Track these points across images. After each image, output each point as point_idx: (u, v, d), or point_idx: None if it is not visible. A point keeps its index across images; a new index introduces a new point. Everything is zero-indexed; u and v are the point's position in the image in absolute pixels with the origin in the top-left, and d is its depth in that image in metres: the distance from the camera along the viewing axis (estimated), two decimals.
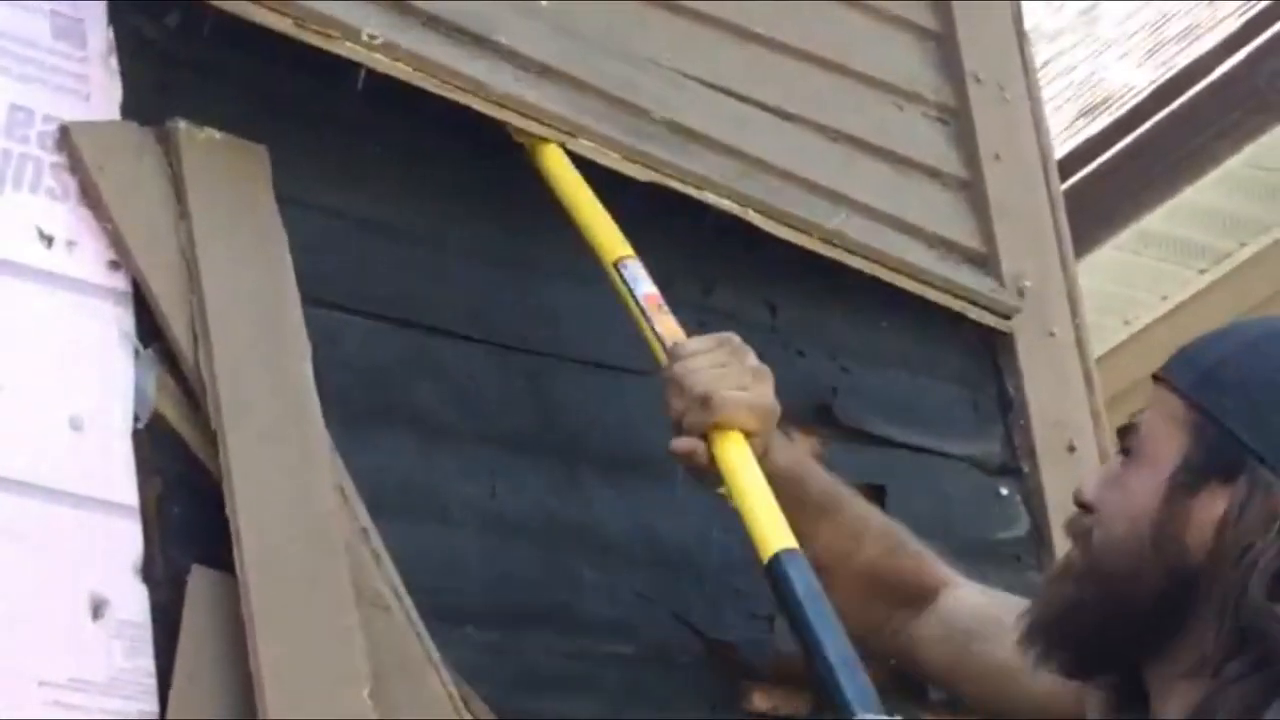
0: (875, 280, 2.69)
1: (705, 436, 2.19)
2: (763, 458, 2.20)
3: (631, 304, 2.28)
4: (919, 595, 2.32)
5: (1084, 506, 2.04)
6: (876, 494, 2.57)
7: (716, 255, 2.59)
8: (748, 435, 2.19)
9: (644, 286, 2.28)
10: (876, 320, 2.74)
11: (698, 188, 2.52)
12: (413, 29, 2.30)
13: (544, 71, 2.42)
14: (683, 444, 2.21)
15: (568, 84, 2.44)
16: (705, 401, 2.18)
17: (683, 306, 2.54)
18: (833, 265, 2.65)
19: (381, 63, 2.26)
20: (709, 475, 2.20)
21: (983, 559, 2.73)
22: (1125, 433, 2.04)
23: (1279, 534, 1.90)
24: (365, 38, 2.24)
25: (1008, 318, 2.82)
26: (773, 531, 2.11)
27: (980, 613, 2.30)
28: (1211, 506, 1.94)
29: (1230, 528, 1.92)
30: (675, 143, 2.52)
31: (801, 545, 2.16)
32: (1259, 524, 1.91)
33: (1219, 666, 1.91)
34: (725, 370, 2.20)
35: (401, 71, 2.27)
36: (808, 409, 2.59)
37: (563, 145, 2.38)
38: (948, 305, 2.76)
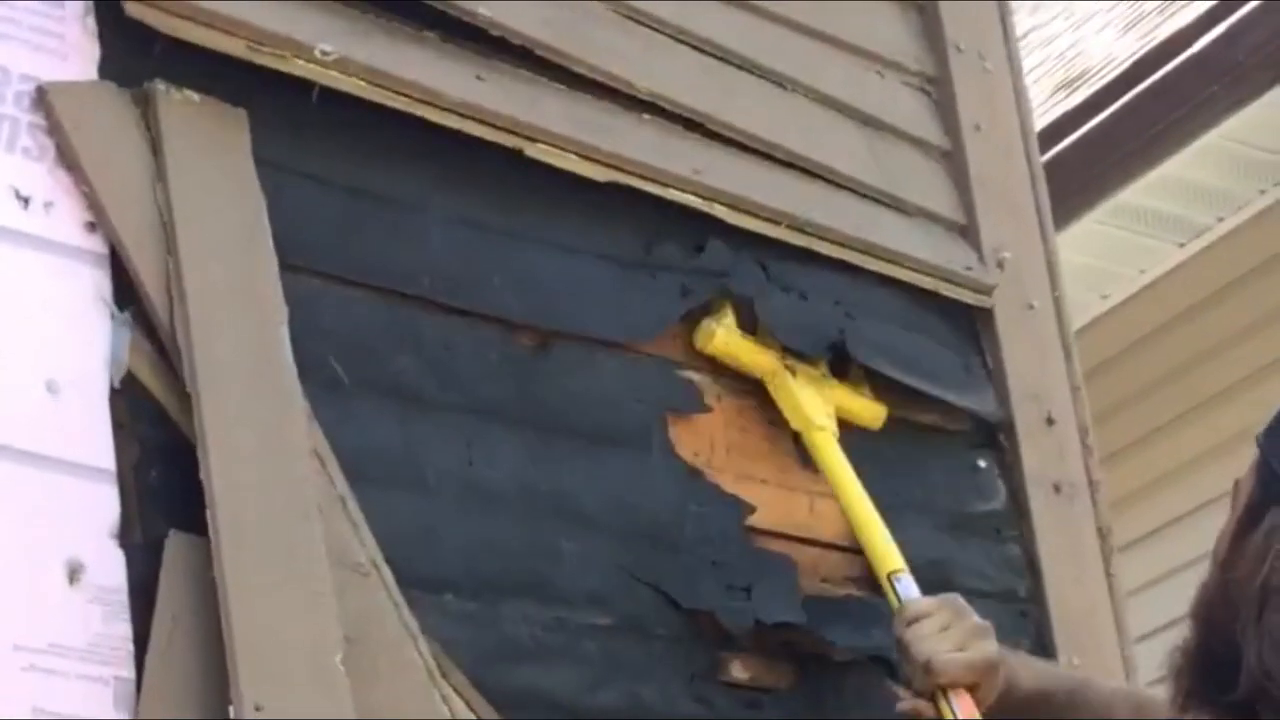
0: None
1: (934, 697, 2.33)
2: (1006, 695, 2.36)
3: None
4: None
5: None
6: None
7: (706, 214, 2.59)
8: (970, 690, 2.33)
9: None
10: (872, 281, 2.74)
11: (661, 184, 2.51)
12: (373, 33, 2.29)
13: (521, 57, 2.40)
14: (906, 705, 2.36)
15: (541, 65, 2.43)
16: (927, 667, 2.32)
17: (673, 268, 2.55)
18: None
19: (336, 79, 2.25)
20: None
21: (963, 531, 2.73)
22: (1233, 490, 2.10)
23: None
24: (318, 54, 2.23)
25: (986, 294, 2.82)
26: None
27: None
28: (1258, 538, 2.00)
29: (1255, 554, 1.98)
30: (644, 130, 2.50)
31: None
32: (1273, 548, 1.96)
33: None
34: (946, 633, 2.34)
35: (356, 87, 2.27)
36: (818, 346, 2.61)
37: (520, 151, 2.39)
38: (922, 285, 2.76)
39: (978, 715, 2.30)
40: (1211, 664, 2.04)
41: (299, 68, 2.23)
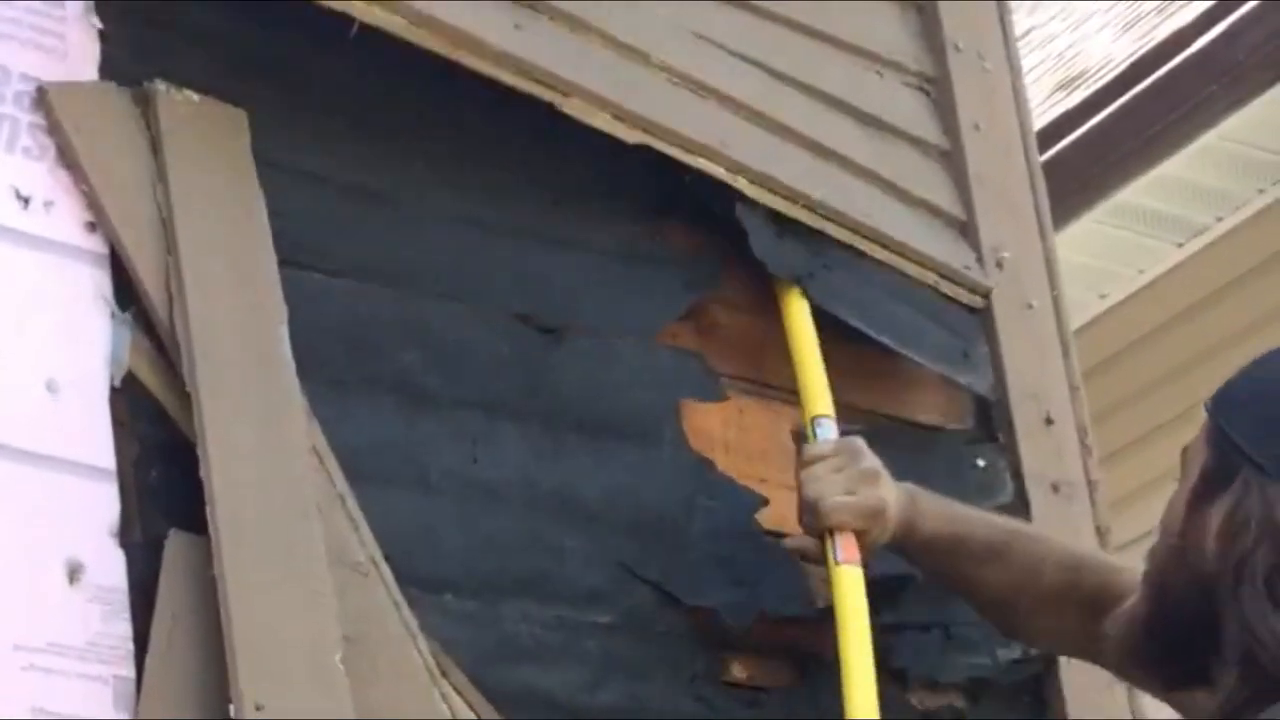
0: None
1: (822, 536, 2.38)
2: (905, 538, 2.40)
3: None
4: (1116, 600, 2.32)
5: None
6: None
7: (709, 208, 2.60)
8: (858, 534, 2.37)
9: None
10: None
11: (688, 151, 2.51)
12: None
13: (552, 14, 2.40)
14: (790, 542, 2.44)
15: (572, 24, 2.43)
16: (814, 508, 2.37)
17: (676, 262, 2.54)
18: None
19: (377, 16, 2.23)
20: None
21: None
22: (1181, 458, 2.13)
23: (1268, 535, 1.97)
24: None
25: (983, 295, 2.82)
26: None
27: None
28: (1220, 512, 2.02)
29: (1225, 532, 2.01)
30: (672, 95, 2.50)
31: (970, 591, 2.45)
32: (1251, 525, 1.99)
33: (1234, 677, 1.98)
34: (838, 476, 2.38)
35: (396, 25, 2.25)
36: (785, 272, 2.60)
37: (555, 105, 2.38)
38: (925, 281, 2.76)
39: (858, 558, 2.34)
40: (1162, 630, 2.07)
41: (338, 4, 2.21)
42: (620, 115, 2.44)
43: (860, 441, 2.44)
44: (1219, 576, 2.00)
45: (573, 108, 2.40)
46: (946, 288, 2.78)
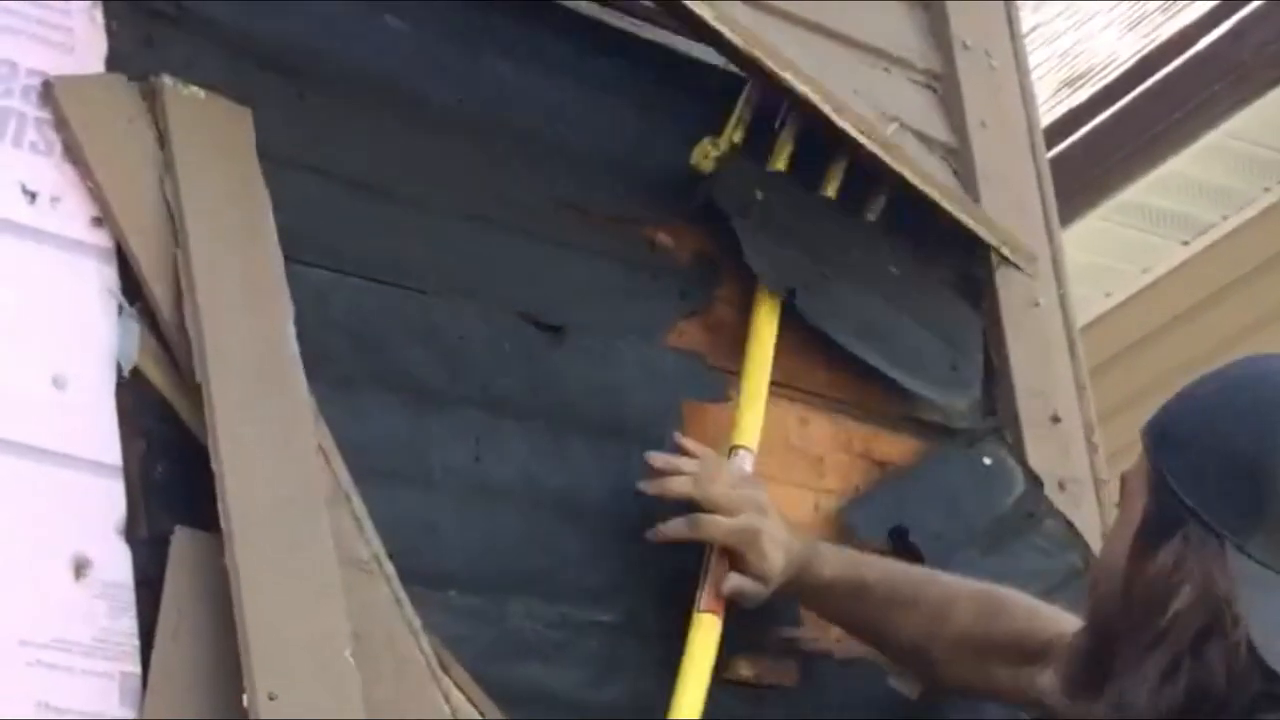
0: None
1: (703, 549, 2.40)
2: (801, 579, 2.39)
3: None
4: (1038, 649, 2.31)
5: None
6: None
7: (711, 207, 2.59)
8: (735, 559, 2.36)
9: None
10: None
11: (782, 69, 2.51)
12: None
13: None
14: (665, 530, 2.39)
15: None
16: (691, 519, 2.36)
17: (673, 270, 2.54)
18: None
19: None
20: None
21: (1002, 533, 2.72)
22: (1120, 484, 2.09)
23: (1202, 604, 1.92)
24: None
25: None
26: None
27: None
28: (1158, 568, 1.97)
29: (1160, 588, 1.96)
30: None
31: (881, 638, 2.42)
32: (1185, 589, 1.94)
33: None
34: (731, 491, 2.37)
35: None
36: (776, 285, 2.58)
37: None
38: (983, 238, 2.74)
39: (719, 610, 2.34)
40: (1097, 665, 2.04)
41: None
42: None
43: (762, 485, 2.42)
44: (1140, 626, 1.96)
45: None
46: (1008, 251, 2.77)
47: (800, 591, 2.41)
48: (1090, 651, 2.07)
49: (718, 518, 2.34)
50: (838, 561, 2.40)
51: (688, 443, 2.40)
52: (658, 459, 2.37)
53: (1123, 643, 2.00)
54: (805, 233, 2.62)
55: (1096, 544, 2.73)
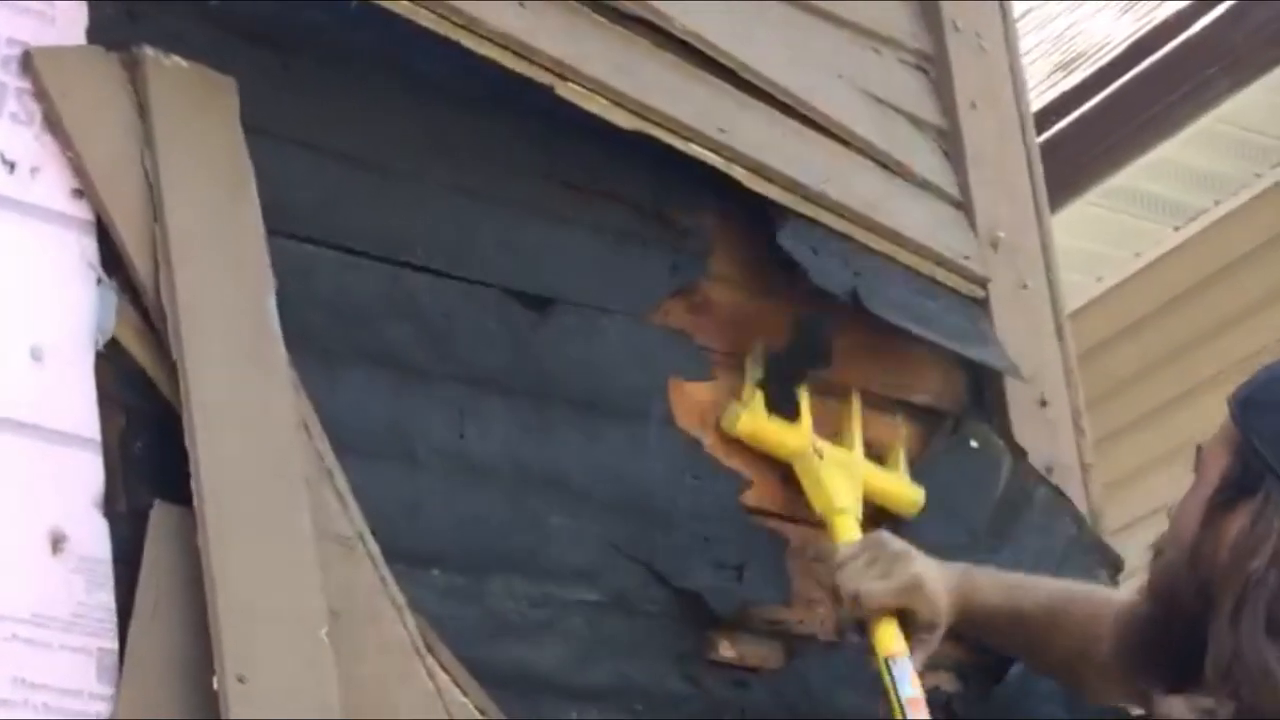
0: None
1: (867, 629, 2.40)
2: (963, 614, 2.40)
3: (894, 701, 2.36)
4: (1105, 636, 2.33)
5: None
6: None
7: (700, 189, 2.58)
8: (904, 616, 2.37)
9: (908, 689, 2.36)
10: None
11: (684, 139, 2.49)
12: None
13: None
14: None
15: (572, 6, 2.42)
16: (855, 599, 2.37)
17: (664, 243, 2.53)
18: None
19: None
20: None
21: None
22: (1196, 455, 2.10)
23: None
24: None
25: (980, 286, 2.80)
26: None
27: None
28: (1238, 524, 2.00)
29: (1240, 546, 1.99)
30: (670, 78, 2.48)
31: (1037, 660, 2.46)
32: (1264, 543, 1.96)
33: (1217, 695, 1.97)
34: (870, 567, 2.38)
35: (401, 8, 2.24)
36: (843, 288, 2.59)
37: (551, 88, 2.37)
38: (924, 271, 2.74)
39: (902, 642, 2.34)
40: (1164, 633, 2.06)
41: None
42: (618, 100, 2.42)
43: (884, 532, 2.44)
44: (1223, 591, 1.97)
45: (568, 91, 2.38)
46: (943, 276, 2.76)
47: (963, 624, 2.43)
48: (1151, 619, 2.08)
49: (879, 586, 2.36)
50: (993, 589, 2.43)
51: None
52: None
53: (1191, 610, 2.01)
54: (831, 239, 2.62)
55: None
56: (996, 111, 2.96)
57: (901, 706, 2.32)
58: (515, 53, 2.34)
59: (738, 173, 2.54)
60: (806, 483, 2.53)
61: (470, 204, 2.38)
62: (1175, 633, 2.04)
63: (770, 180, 2.57)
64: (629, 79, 2.45)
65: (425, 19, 2.27)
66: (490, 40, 2.32)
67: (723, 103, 2.56)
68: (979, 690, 2.60)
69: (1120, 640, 2.15)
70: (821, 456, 2.53)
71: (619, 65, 2.44)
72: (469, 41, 2.30)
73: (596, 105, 2.41)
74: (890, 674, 2.34)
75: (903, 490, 2.62)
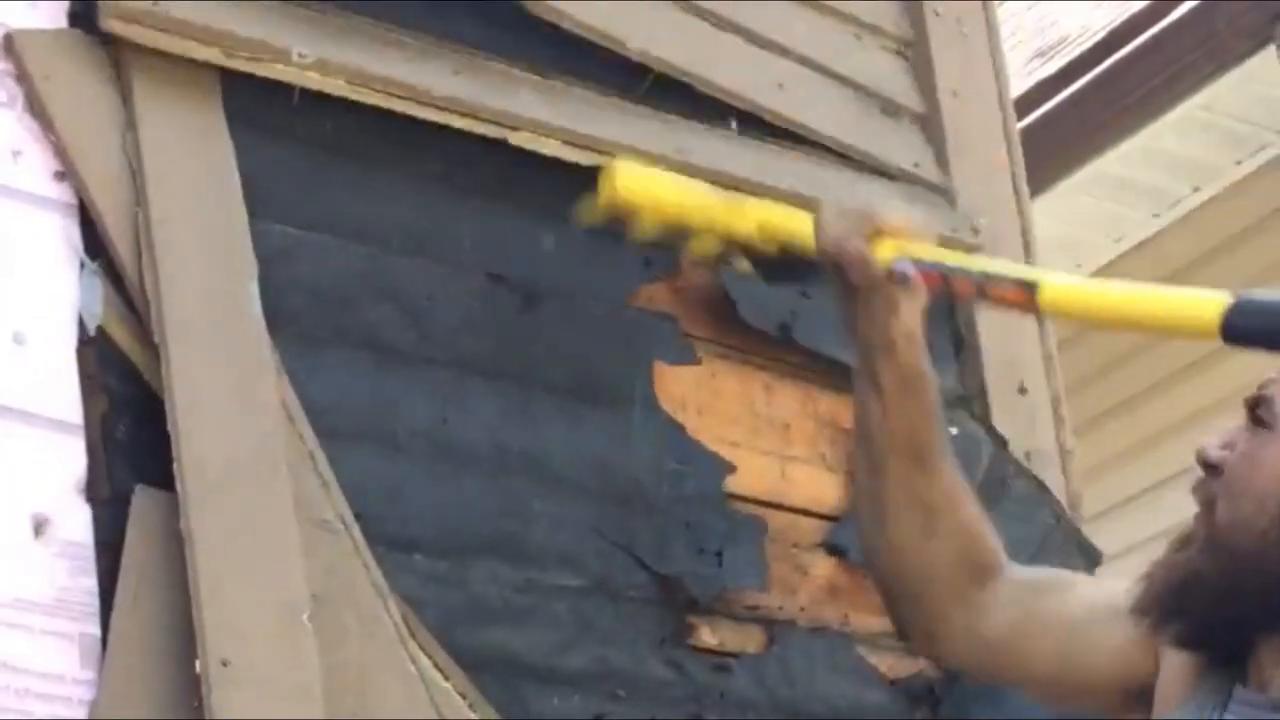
0: None
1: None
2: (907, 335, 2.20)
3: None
4: (989, 567, 2.23)
5: (1211, 467, 2.00)
6: None
7: None
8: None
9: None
10: None
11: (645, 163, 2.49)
12: (349, 34, 2.28)
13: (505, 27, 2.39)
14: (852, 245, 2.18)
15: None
16: (863, 212, 2.19)
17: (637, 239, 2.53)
18: None
19: (316, 80, 2.23)
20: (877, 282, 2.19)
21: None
22: (1257, 403, 1.99)
23: None
24: (295, 57, 2.21)
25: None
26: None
27: (1040, 572, 2.28)
28: None
29: None
30: (624, 113, 2.48)
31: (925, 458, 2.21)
32: None
33: None
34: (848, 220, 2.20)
35: (336, 87, 2.25)
36: (769, 324, 2.58)
37: (504, 140, 2.37)
38: None
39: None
40: (1218, 591, 1.95)
41: (277, 71, 2.21)
42: (568, 139, 2.42)
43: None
44: None
45: (520, 139, 2.38)
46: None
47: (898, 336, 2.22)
48: (1210, 577, 1.95)
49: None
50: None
51: None
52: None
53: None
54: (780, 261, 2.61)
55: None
56: (977, 98, 2.95)
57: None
58: (461, 113, 2.34)
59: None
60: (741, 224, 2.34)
61: (453, 188, 2.38)
62: (1228, 589, 1.93)
63: (735, 188, 2.55)
64: (576, 118, 2.44)
65: (365, 96, 2.27)
66: (434, 106, 2.32)
67: (678, 127, 2.55)
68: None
69: (1153, 583, 2.01)
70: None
71: (564, 109, 2.44)
72: (415, 111, 2.31)
73: (550, 147, 2.40)
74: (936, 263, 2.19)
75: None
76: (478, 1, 2.43)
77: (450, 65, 2.36)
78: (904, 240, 2.20)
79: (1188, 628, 1.98)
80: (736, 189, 2.53)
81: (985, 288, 2.18)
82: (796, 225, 2.32)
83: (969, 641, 2.21)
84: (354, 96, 2.27)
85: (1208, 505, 1.99)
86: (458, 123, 2.34)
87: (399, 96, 2.30)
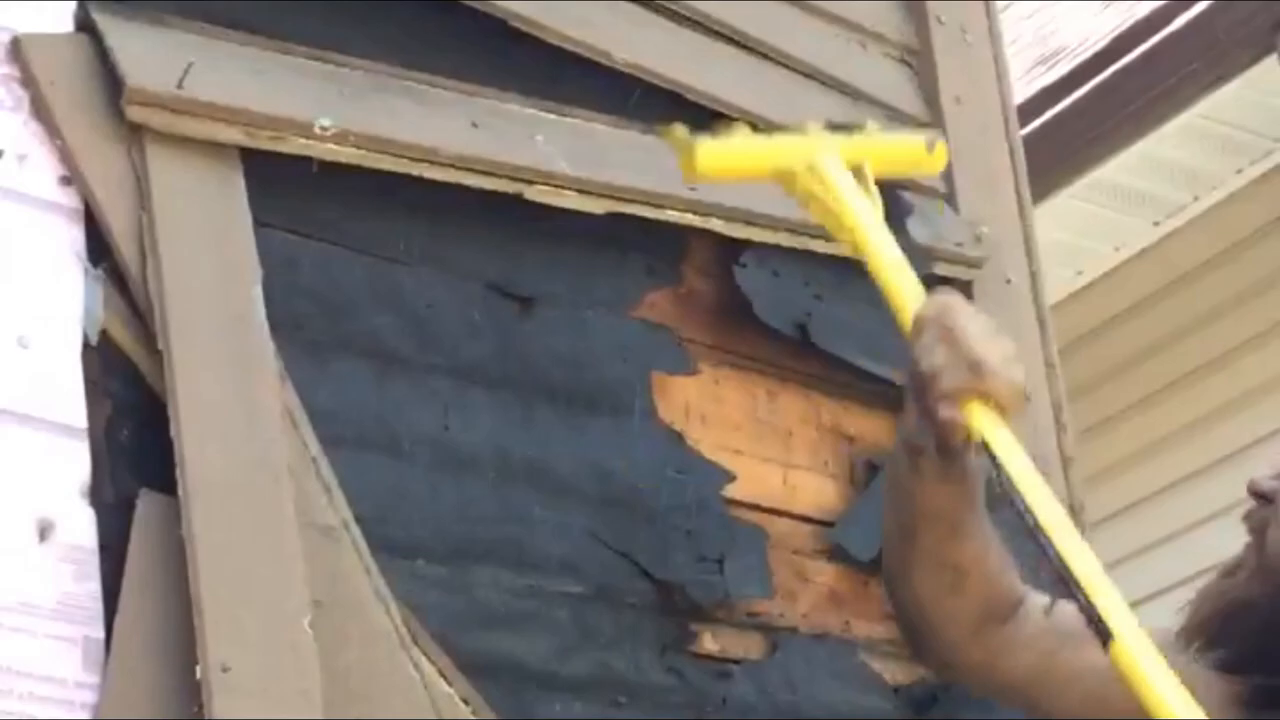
0: None
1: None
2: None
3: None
4: (1011, 605, 2.15)
5: (1261, 497, 1.98)
6: None
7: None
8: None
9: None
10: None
11: (658, 207, 2.48)
12: (365, 93, 2.27)
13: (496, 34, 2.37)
14: (948, 412, 1.95)
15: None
16: (976, 366, 1.93)
17: (640, 247, 2.53)
18: None
19: (335, 152, 2.21)
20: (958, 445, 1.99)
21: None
22: None
23: None
24: (318, 130, 2.19)
25: (976, 266, 2.80)
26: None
27: (1063, 617, 2.11)
28: None
29: None
30: (637, 152, 2.48)
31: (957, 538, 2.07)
32: None
33: None
34: (998, 342, 1.96)
35: (354, 157, 2.23)
36: (787, 325, 2.58)
37: (520, 195, 2.35)
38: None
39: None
40: (1273, 626, 1.93)
41: (299, 146, 2.19)
42: (584, 189, 2.41)
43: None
44: None
45: (536, 194, 2.37)
46: (937, 268, 2.75)
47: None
48: (1260, 604, 1.94)
49: (1010, 371, 1.94)
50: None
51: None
52: None
53: None
54: (792, 260, 2.60)
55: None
56: (980, 106, 2.96)
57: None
58: (476, 170, 2.32)
59: (714, 224, 2.53)
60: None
61: (454, 197, 2.38)
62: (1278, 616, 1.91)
63: (748, 223, 2.55)
64: (593, 166, 2.42)
65: (382, 163, 2.25)
66: (450, 166, 2.30)
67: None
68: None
69: (1203, 610, 1.99)
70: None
71: (580, 155, 2.42)
72: (430, 173, 2.29)
73: (566, 199, 2.39)
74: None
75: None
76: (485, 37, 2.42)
77: (468, 116, 2.35)
78: (995, 413, 1.93)
79: (1236, 654, 1.97)
80: (749, 222, 2.54)
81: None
82: (905, 154, 2.15)
83: (987, 675, 2.15)
84: (371, 164, 2.24)
85: (1258, 533, 1.98)
86: (471, 181, 2.32)
87: (415, 159, 2.27)
